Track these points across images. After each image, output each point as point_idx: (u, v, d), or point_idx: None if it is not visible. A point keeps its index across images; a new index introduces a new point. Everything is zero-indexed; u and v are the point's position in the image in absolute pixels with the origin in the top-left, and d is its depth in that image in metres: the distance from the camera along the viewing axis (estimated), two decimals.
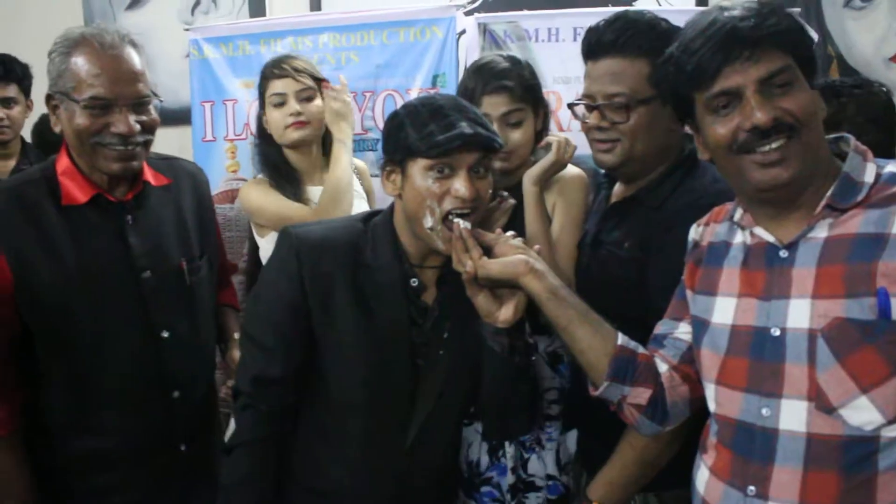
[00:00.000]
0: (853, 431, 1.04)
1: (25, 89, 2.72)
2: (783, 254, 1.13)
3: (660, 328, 1.35)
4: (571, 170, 1.84)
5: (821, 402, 1.06)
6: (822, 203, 1.10)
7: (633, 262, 1.49)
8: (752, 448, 1.13)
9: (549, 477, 1.73)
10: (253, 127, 2.66)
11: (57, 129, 1.57)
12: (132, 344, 1.59)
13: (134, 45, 1.58)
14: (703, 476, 1.23)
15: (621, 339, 1.30)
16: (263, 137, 2.19)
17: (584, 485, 1.56)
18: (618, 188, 1.65)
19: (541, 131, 1.82)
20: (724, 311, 1.20)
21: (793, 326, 1.09)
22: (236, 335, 1.86)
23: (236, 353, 1.77)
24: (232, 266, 2.11)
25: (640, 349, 1.32)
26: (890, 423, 1.03)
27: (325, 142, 2.20)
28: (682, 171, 1.53)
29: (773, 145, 1.09)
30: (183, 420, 1.66)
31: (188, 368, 1.67)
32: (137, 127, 1.54)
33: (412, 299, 1.44)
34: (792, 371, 1.09)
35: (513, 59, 1.82)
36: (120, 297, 1.58)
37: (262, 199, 2.13)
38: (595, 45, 1.52)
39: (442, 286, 1.45)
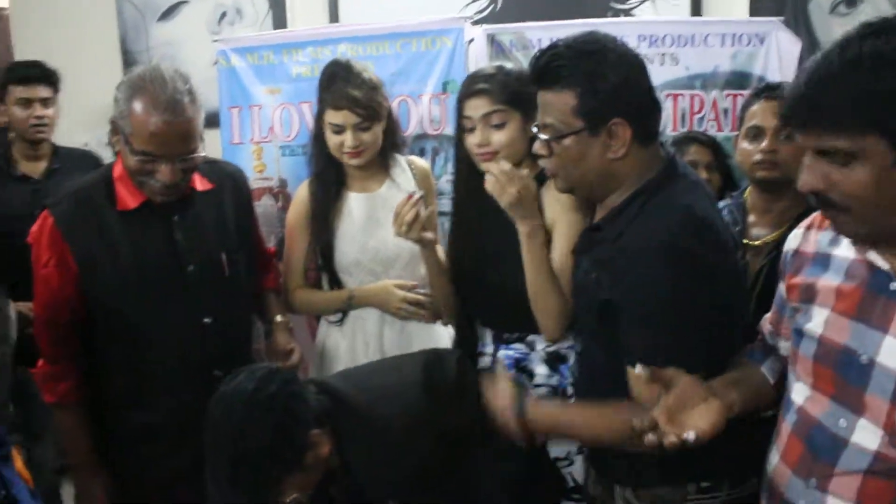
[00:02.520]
0: None
1: (57, 91, 2.79)
2: (894, 286, 1.10)
3: (768, 339, 1.41)
4: None
5: (895, 437, 1.08)
6: None
7: (602, 292, 1.43)
8: (823, 447, 1.16)
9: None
10: (277, 130, 2.89)
11: (116, 149, 1.75)
12: (179, 329, 1.78)
13: (192, 94, 1.65)
14: (773, 460, 1.28)
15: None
16: (317, 140, 2.16)
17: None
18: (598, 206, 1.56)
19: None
20: (818, 320, 1.20)
21: (884, 362, 1.09)
22: (279, 318, 2.06)
23: (280, 337, 2.01)
24: (271, 251, 2.29)
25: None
26: None
27: (383, 148, 2.17)
28: (643, 199, 1.42)
29: None
30: None
31: (228, 350, 1.85)
32: (180, 175, 1.69)
33: None
34: (873, 401, 1.10)
35: (500, 67, 1.84)
36: (169, 288, 1.78)
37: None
38: (532, 77, 1.47)
39: None
